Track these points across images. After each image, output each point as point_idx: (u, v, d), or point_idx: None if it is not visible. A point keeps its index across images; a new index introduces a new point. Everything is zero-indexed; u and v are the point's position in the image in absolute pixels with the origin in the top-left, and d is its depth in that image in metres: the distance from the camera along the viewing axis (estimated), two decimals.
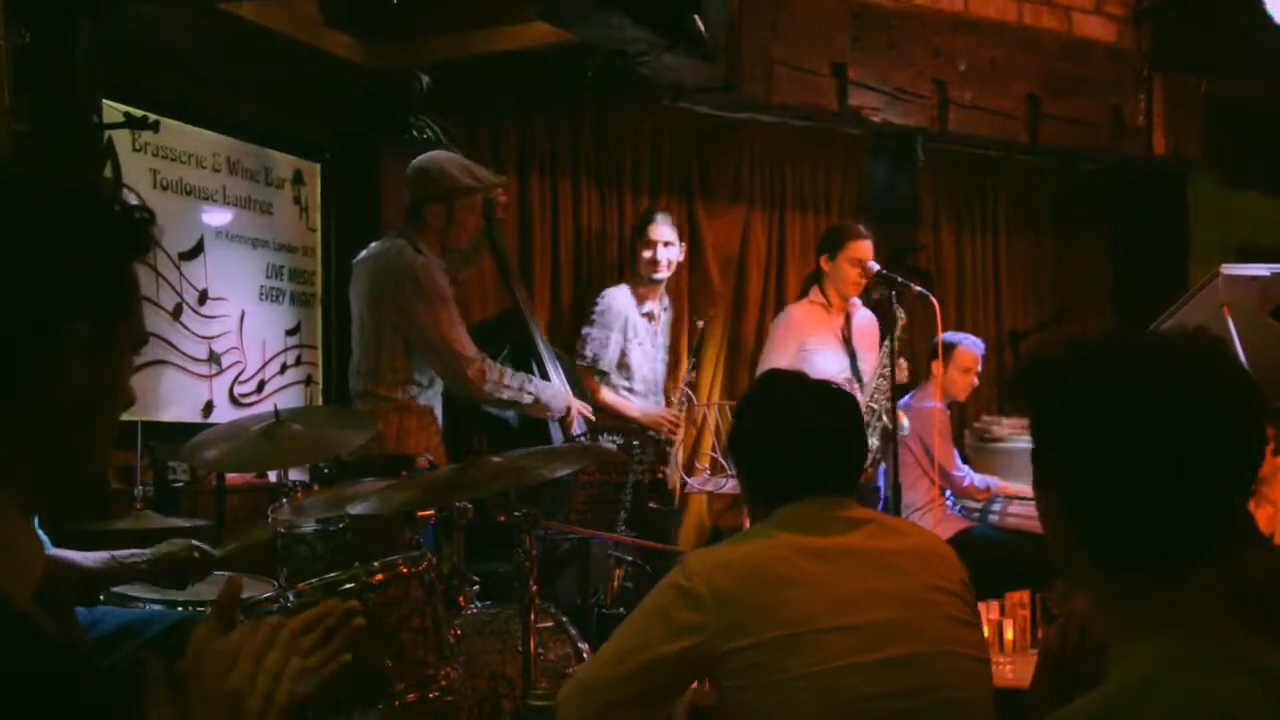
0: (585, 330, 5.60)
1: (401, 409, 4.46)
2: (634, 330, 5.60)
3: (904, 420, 5.55)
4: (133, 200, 1.30)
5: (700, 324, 5.73)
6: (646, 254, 5.56)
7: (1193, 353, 1.38)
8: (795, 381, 2.61)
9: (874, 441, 5.49)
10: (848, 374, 5.62)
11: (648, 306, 5.66)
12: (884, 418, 5.44)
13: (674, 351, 6.02)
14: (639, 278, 5.64)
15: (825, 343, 5.68)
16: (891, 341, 5.23)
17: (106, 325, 1.27)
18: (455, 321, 4.47)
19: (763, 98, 5.48)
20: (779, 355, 5.61)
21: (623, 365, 5.58)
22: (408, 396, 4.49)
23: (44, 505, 1.29)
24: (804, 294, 5.90)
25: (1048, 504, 1.46)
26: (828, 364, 5.51)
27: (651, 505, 5.12)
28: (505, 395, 4.56)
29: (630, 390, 5.56)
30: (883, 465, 5.63)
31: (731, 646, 2.20)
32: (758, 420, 2.50)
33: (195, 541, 3.22)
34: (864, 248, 5.65)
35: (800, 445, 2.41)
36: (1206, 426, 1.35)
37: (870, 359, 5.71)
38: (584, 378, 5.37)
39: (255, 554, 3.37)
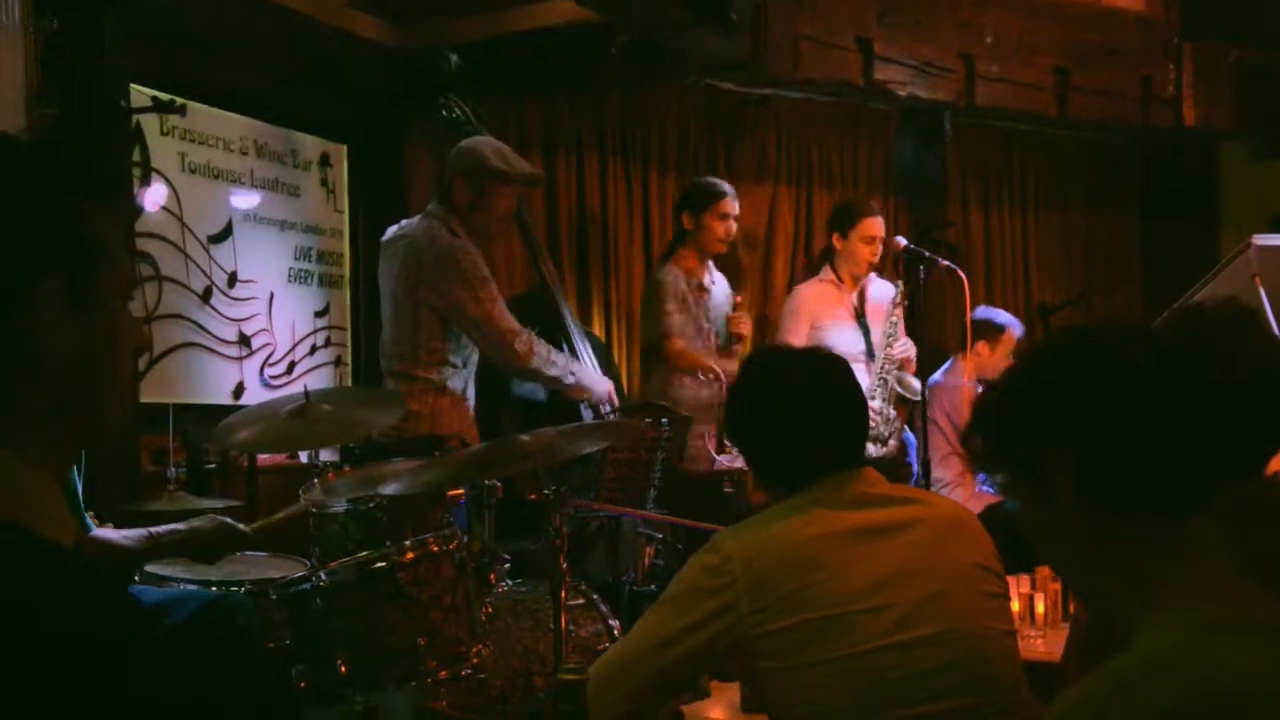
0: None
1: (437, 390, 4.45)
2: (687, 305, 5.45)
3: (914, 383, 5.49)
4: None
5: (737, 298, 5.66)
6: (719, 229, 5.40)
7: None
8: (787, 360, 2.56)
9: (891, 411, 5.45)
10: (861, 348, 5.55)
11: (697, 280, 5.51)
12: (897, 386, 5.40)
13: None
14: (698, 252, 5.47)
15: (838, 320, 5.60)
16: (891, 310, 5.21)
17: (83, 277, 1.25)
18: (497, 299, 4.45)
19: (788, 73, 5.45)
20: (791, 337, 5.52)
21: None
22: (443, 378, 4.47)
23: (70, 465, 1.30)
24: (815, 272, 5.82)
25: (1039, 494, 1.45)
26: (840, 342, 5.39)
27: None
28: (552, 372, 4.54)
29: None
30: (913, 440, 5.59)
31: (766, 629, 2.18)
32: (759, 407, 2.43)
33: (228, 520, 3.25)
34: (876, 225, 5.56)
35: (809, 428, 2.36)
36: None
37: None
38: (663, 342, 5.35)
39: (286, 531, 3.39)
